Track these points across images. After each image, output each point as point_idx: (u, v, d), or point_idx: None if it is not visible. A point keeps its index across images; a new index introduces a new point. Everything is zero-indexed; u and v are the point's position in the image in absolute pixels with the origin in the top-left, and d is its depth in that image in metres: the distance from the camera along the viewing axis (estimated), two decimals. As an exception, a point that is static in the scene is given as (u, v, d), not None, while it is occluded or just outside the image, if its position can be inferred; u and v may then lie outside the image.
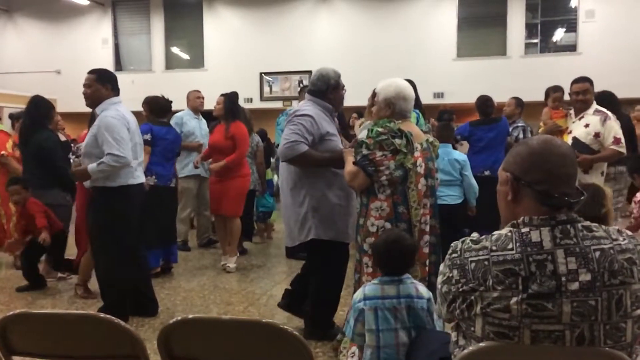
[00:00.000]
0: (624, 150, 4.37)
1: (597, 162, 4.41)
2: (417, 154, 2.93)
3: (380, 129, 2.88)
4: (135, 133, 3.89)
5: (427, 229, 2.96)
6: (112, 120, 3.69)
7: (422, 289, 2.41)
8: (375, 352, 2.29)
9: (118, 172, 3.73)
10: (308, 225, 3.42)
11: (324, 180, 3.39)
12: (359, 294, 2.40)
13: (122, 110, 3.81)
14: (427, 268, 2.95)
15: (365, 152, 2.88)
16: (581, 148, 4.37)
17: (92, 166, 3.68)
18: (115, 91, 3.87)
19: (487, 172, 5.60)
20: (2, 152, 5.50)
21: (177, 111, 6.39)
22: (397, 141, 2.86)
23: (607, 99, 5.65)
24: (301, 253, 5.74)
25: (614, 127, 4.38)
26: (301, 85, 12.78)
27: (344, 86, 3.60)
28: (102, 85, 3.82)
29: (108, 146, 3.64)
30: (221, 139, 5.33)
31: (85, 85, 3.83)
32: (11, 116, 6.54)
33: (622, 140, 4.35)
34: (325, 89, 3.50)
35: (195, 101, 6.37)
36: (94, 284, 4.36)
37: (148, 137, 4.93)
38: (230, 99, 5.45)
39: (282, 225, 6.23)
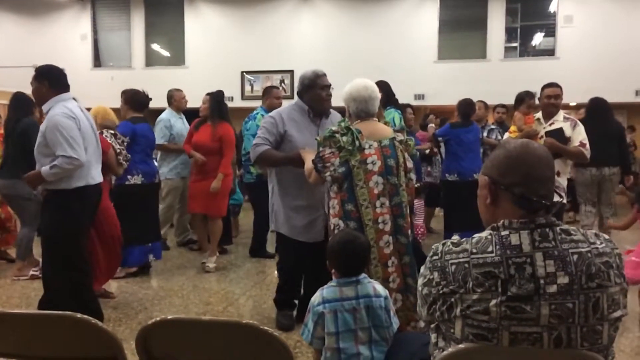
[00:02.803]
0: (588, 154, 4.56)
1: (562, 151, 4.52)
2: (370, 151, 2.94)
3: (334, 128, 3.02)
4: (87, 132, 3.65)
5: (387, 228, 2.94)
6: (60, 118, 3.46)
7: (379, 288, 2.41)
8: (335, 353, 2.28)
9: (72, 174, 3.54)
10: (273, 217, 3.80)
11: (286, 178, 3.63)
12: (317, 298, 2.37)
13: (72, 106, 3.59)
14: (389, 269, 2.96)
15: (319, 149, 3.02)
16: (559, 137, 4.53)
17: (44, 169, 3.47)
18: (56, 87, 3.60)
19: (475, 176, 5.67)
20: None
21: (157, 109, 6.32)
22: (343, 139, 2.92)
23: (601, 106, 5.93)
24: (265, 253, 5.84)
25: (582, 133, 4.59)
26: (282, 85, 12.78)
27: (324, 85, 3.61)
28: (39, 82, 3.60)
29: (60, 148, 3.42)
30: (207, 139, 5.31)
31: (30, 84, 3.66)
32: None
33: (588, 146, 4.55)
34: (301, 89, 3.66)
35: (181, 102, 6.29)
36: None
37: (126, 139, 4.86)
38: (216, 98, 5.43)
39: (250, 222, 6.22)
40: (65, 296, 3.60)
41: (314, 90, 3.60)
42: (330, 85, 3.66)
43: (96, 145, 3.79)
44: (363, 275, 2.40)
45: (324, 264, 3.24)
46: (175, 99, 6.26)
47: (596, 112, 5.92)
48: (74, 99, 3.79)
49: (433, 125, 7.10)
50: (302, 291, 3.93)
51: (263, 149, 3.53)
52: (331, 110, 3.79)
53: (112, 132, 4.57)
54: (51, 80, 3.62)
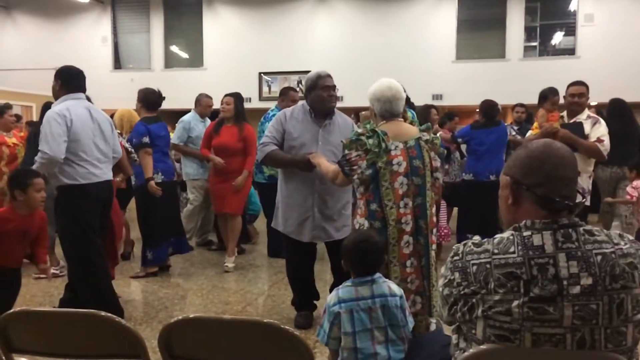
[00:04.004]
0: (604, 150, 4.42)
1: (576, 144, 4.33)
2: (396, 152, 2.94)
3: (360, 130, 3.02)
4: (85, 131, 3.68)
5: (408, 229, 2.93)
6: (50, 114, 3.59)
7: (394, 287, 2.40)
8: (352, 353, 2.28)
9: (76, 171, 3.63)
10: (275, 213, 3.88)
11: (285, 177, 3.74)
12: (332, 298, 2.37)
13: (71, 104, 3.67)
14: (407, 269, 2.95)
15: (345, 152, 3.02)
16: (577, 131, 4.43)
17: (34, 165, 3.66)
18: (67, 87, 3.73)
19: (492, 177, 5.62)
20: None
21: (176, 110, 6.36)
22: (370, 141, 2.92)
23: (621, 106, 5.91)
24: (283, 253, 5.87)
25: (601, 130, 4.48)
26: (300, 86, 12.81)
27: (325, 86, 3.63)
28: (55, 81, 3.76)
29: (40, 143, 3.58)
30: (234, 141, 5.35)
31: None
32: None
33: (605, 143, 4.42)
34: (305, 91, 3.74)
35: (206, 108, 6.30)
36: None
37: (147, 139, 4.91)
38: (240, 100, 5.50)
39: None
40: (86, 293, 3.68)
41: (316, 91, 3.64)
42: (334, 86, 3.68)
43: (104, 145, 3.82)
44: (378, 274, 2.41)
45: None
46: (201, 103, 6.29)
47: (617, 112, 5.91)
48: (88, 98, 3.86)
49: (442, 132, 7.00)
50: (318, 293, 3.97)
51: (270, 149, 3.62)
52: (341, 113, 3.81)
53: (117, 131, 4.63)
54: (64, 80, 3.75)
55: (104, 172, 3.83)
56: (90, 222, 3.75)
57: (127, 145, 4.69)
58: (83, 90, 3.82)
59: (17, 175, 3.46)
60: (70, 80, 3.76)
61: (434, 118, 6.20)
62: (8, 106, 5.79)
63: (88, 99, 3.95)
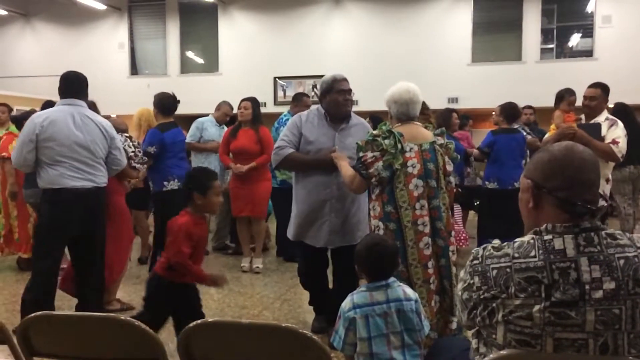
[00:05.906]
0: (618, 152, 4.34)
1: (590, 145, 4.10)
2: (411, 154, 2.94)
3: (375, 132, 3.01)
4: (60, 134, 3.56)
5: (426, 230, 2.94)
6: (28, 120, 3.67)
7: (409, 291, 2.39)
8: (368, 359, 2.28)
9: (48, 175, 3.56)
10: (290, 222, 3.79)
11: (300, 182, 3.66)
12: (347, 303, 2.36)
13: (53, 110, 3.69)
14: (429, 270, 2.95)
15: (360, 154, 2.99)
16: (593, 132, 4.36)
17: None
18: (64, 93, 3.73)
19: (516, 184, 5.55)
20: (3, 154, 5.44)
21: (193, 115, 6.41)
22: (386, 142, 2.92)
23: (624, 109, 5.86)
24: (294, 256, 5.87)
25: (616, 132, 4.41)
26: (315, 90, 12.83)
27: (341, 90, 3.59)
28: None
29: None
30: (251, 143, 5.39)
31: None
32: (15, 118, 5.94)
33: (620, 145, 4.35)
34: (320, 94, 3.70)
35: (223, 115, 6.37)
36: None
37: (152, 149, 4.94)
38: (257, 104, 5.56)
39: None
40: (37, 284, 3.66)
41: (331, 95, 3.60)
42: (350, 90, 3.63)
43: (87, 152, 3.64)
44: (392, 279, 2.40)
45: (349, 270, 3.24)
46: (219, 109, 6.37)
47: (621, 114, 5.83)
48: (93, 104, 3.87)
49: (466, 134, 6.93)
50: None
51: (288, 152, 3.55)
52: (357, 116, 3.78)
53: (126, 135, 4.60)
54: (62, 86, 3.75)
55: (86, 179, 3.63)
56: (56, 230, 3.60)
57: (129, 149, 4.57)
58: (80, 96, 3.74)
59: (197, 176, 3.14)
60: (68, 86, 3.74)
61: (455, 122, 6.15)
62: (34, 112, 5.87)
63: (93, 104, 3.92)
